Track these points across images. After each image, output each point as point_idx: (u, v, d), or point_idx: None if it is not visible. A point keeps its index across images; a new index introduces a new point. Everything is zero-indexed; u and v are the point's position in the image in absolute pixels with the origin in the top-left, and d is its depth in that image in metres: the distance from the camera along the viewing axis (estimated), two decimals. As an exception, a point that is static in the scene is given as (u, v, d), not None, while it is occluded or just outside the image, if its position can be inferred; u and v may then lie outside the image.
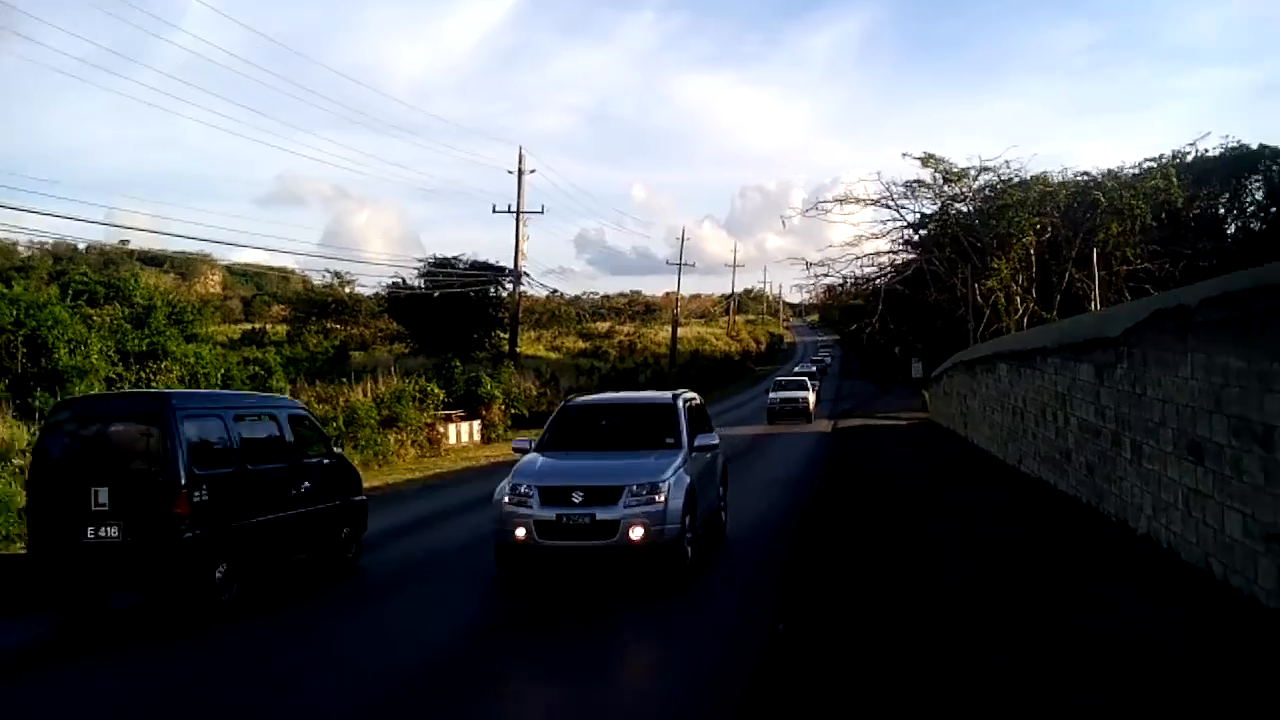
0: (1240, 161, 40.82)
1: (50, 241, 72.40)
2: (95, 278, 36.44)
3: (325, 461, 12.22)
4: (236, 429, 10.46)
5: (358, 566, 12.40)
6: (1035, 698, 6.35)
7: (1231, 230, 44.60)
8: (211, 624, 9.42)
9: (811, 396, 43.72)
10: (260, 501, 10.58)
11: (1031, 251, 41.39)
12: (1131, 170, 41.47)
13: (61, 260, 75.43)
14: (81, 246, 73.99)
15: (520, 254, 50.09)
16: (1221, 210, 44.47)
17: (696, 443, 11.92)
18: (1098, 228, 39.52)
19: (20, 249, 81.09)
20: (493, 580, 11.03)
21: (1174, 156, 41.93)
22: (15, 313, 23.59)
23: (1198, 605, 8.42)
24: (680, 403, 12.57)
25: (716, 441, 12.60)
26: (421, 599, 11.06)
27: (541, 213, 51.15)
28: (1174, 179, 39.44)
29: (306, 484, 11.50)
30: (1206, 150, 41.40)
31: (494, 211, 49.97)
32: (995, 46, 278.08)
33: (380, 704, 7.13)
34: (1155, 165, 41.21)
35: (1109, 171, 41.87)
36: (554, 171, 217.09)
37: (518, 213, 49.36)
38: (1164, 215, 40.83)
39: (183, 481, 9.34)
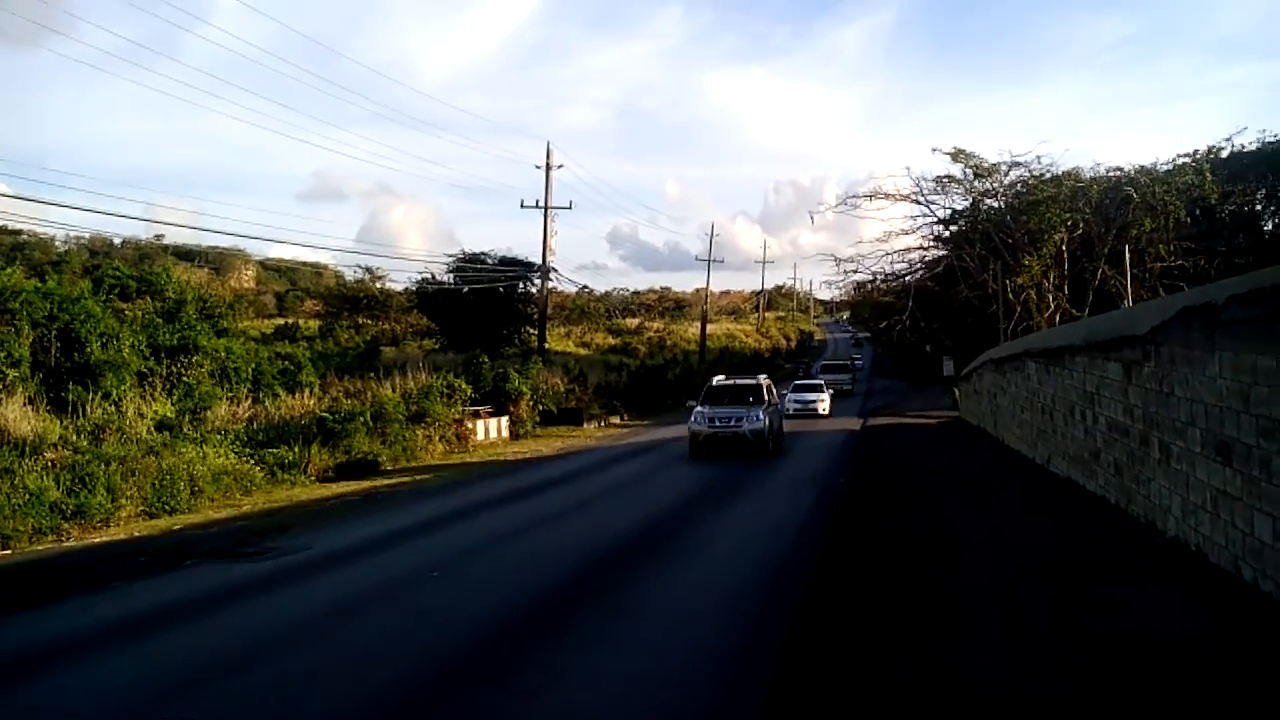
0: (1278, 157, 40.04)
1: (86, 235, 73.36)
2: (128, 272, 36.71)
3: None
4: None
5: None
6: (1044, 698, 6.28)
7: (1269, 227, 43.78)
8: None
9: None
10: None
11: (1063, 248, 40.90)
12: (1165, 166, 40.86)
13: (97, 254, 76.38)
14: (117, 241, 74.92)
15: (548, 249, 50.26)
16: (1258, 206, 43.70)
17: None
18: (1130, 224, 38.97)
19: (57, 243, 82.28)
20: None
21: (1209, 152, 41.24)
22: (49, 307, 23.88)
23: (1225, 610, 8.29)
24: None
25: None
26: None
27: (570, 208, 51.72)
28: (1208, 174, 38.77)
29: None
30: (1243, 146, 40.67)
31: (522, 207, 50.26)
32: (1026, 41, 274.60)
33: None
34: (1189, 161, 40.61)
35: (1142, 167, 41.22)
36: (584, 168, 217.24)
37: (545, 208, 49.54)
38: (1198, 211, 40.20)
39: None
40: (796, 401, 42.54)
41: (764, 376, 28.60)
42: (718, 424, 24.92)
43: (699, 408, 25.97)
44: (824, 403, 43.71)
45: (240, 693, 7.60)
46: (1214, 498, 9.52)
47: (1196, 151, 41.40)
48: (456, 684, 7.58)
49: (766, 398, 26.31)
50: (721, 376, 29.95)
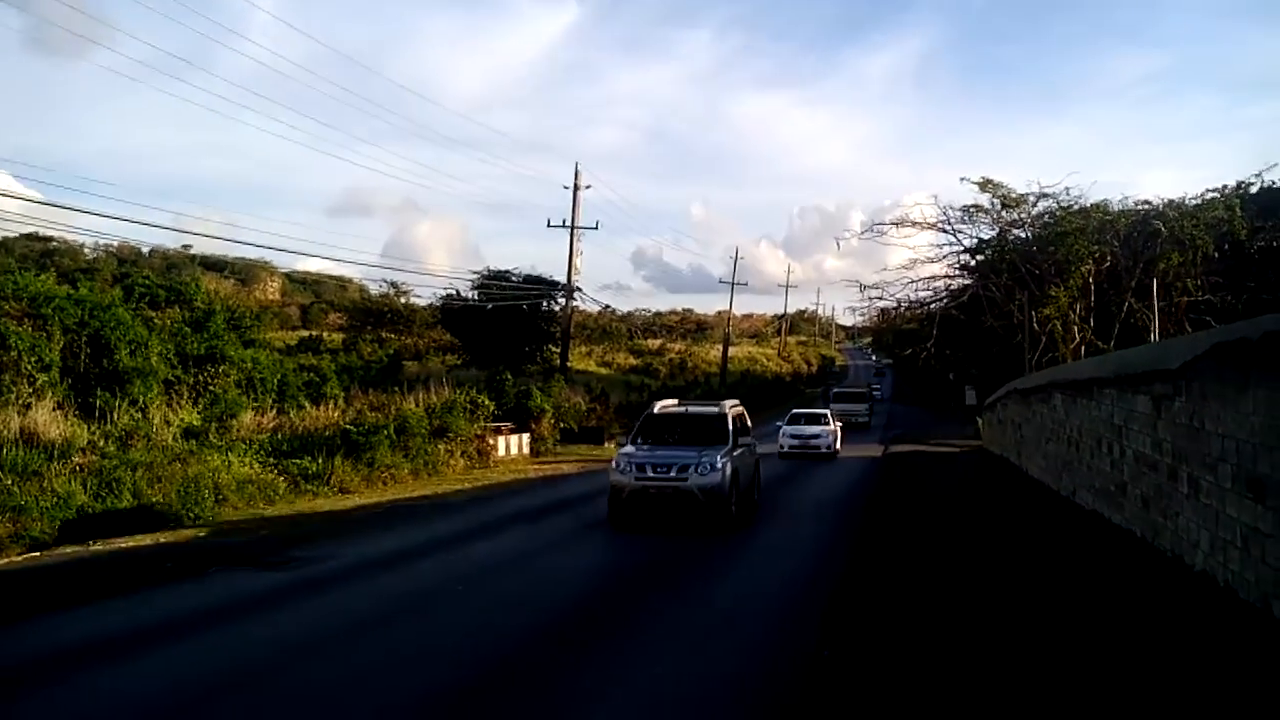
0: (1308, 194, 39.79)
1: (115, 244, 74.22)
2: (157, 281, 37.05)
3: None
4: None
5: None
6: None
7: (1300, 264, 43.43)
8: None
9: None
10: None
11: (1090, 280, 40.79)
12: (1194, 200, 40.70)
13: (125, 263, 77.20)
14: (145, 250, 75.64)
15: (574, 268, 50.39)
16: (1289, 243, 43.44)
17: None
18: (1158, 258, 38.82)
19: (86, 251, 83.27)
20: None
21: (1239, 187, 41.08)
22: (80, 313, 24.10)
23: (1255, 647, 8.22)
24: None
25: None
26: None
27: (596, 228, 51.74)
28: (1237, 210, 38.57)
29: None
30: (1273, 182, 40.49)
31: (549, 226, 50.42)
32: (1054, 73, 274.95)
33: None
34: (1218, 195, 40.42)
35: (1170, 201, 41.15)
36: (610, 188, 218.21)
37: (572, 228, 49.69)
38: (1227, 247, 39.95)
39: None
40: (793, 437, 34.73)
41: (731, 403, 19.98)
42: (650, 473, 16.78)
43: (628, 447, 18.18)
44: (828, 437, 34.96)
45: (249, 708, 7.62)
46: (1244, 534, 9.45)
47: (1226, 186, 41.30)
48: (481, 702, 7.60)
49: (731, 435, 18.00)
50: (671, 401, 21.64)
